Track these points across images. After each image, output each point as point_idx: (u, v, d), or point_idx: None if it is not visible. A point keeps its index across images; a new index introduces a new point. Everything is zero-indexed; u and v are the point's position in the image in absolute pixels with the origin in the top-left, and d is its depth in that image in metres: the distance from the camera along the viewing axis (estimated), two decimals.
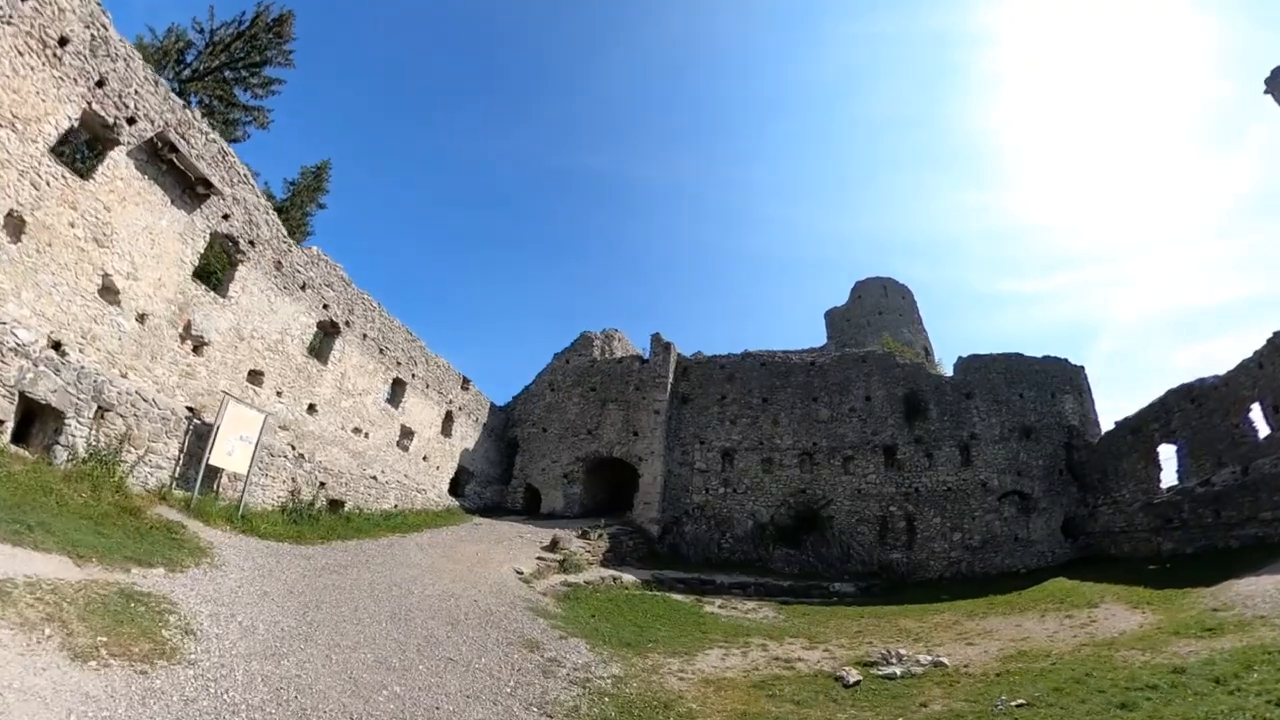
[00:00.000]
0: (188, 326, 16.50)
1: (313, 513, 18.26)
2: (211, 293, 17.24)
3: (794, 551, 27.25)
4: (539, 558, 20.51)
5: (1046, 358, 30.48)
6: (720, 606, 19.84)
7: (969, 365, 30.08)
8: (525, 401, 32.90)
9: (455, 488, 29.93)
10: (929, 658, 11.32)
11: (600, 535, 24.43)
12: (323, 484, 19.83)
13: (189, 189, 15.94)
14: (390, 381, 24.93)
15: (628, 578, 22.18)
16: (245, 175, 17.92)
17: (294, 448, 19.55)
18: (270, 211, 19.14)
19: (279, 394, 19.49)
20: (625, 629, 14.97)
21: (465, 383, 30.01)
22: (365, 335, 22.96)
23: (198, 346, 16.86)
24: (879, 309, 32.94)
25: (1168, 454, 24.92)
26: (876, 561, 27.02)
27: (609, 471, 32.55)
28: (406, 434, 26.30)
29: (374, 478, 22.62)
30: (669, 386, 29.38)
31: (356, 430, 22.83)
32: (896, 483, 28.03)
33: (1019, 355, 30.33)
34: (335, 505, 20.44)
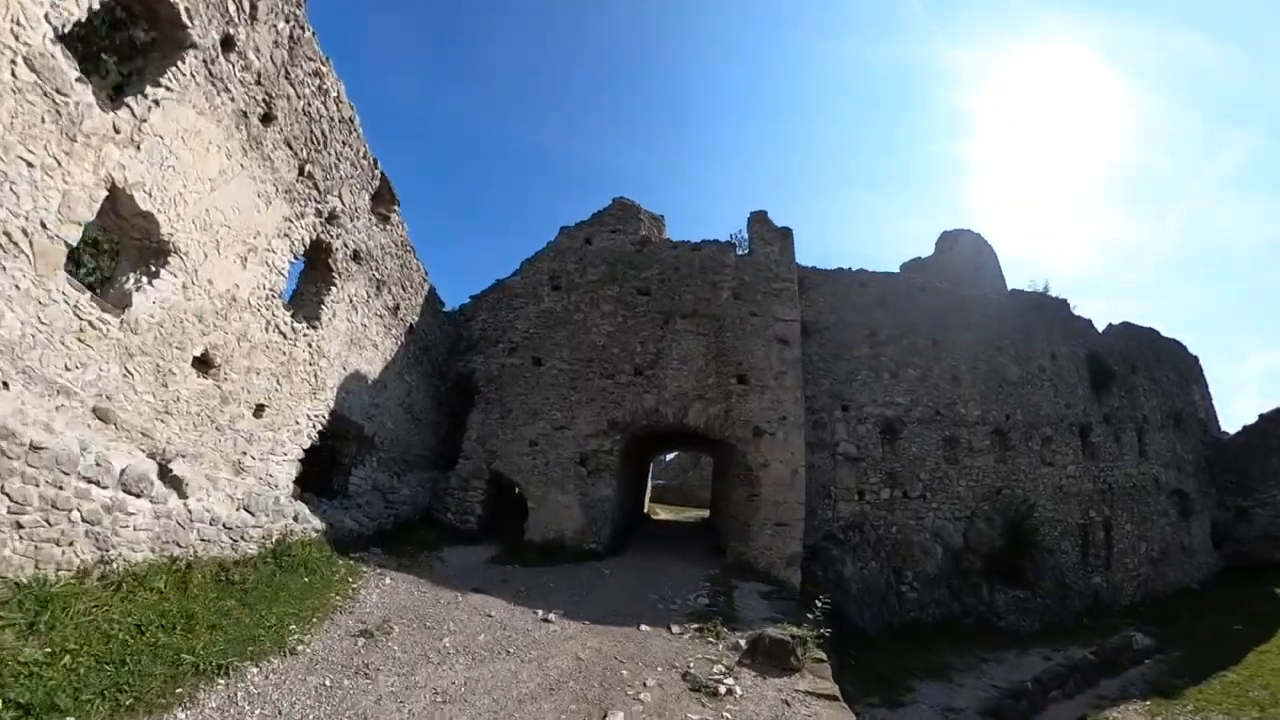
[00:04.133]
0: None
1: None
2: None
3: (1022, 593, 11.62)
4: None
5: (1174, 340, 19.21)
6: None
7: (1125, 334, 17.70)
8: (496, 307, 13.00)
9: (325, 475, 8.79)
10: None
11: (802, 646, 5.88)
12: None
13: None
14: None
15: None
16: None
17: None
18: None
19: None
20: None
21: (383, 191, 9.61)
22: None
23: None
24: (974, 265, 19.70)
25: None
26: (1088, 589, 13.81)
27: (641, 451, 13.78)
28: (154, 246, 5.28)
29: None
30: (796, 300, 12.04)
31: None
32: (1093, 476, 15.08)
33: (1155, 331, 18.62)
34: None
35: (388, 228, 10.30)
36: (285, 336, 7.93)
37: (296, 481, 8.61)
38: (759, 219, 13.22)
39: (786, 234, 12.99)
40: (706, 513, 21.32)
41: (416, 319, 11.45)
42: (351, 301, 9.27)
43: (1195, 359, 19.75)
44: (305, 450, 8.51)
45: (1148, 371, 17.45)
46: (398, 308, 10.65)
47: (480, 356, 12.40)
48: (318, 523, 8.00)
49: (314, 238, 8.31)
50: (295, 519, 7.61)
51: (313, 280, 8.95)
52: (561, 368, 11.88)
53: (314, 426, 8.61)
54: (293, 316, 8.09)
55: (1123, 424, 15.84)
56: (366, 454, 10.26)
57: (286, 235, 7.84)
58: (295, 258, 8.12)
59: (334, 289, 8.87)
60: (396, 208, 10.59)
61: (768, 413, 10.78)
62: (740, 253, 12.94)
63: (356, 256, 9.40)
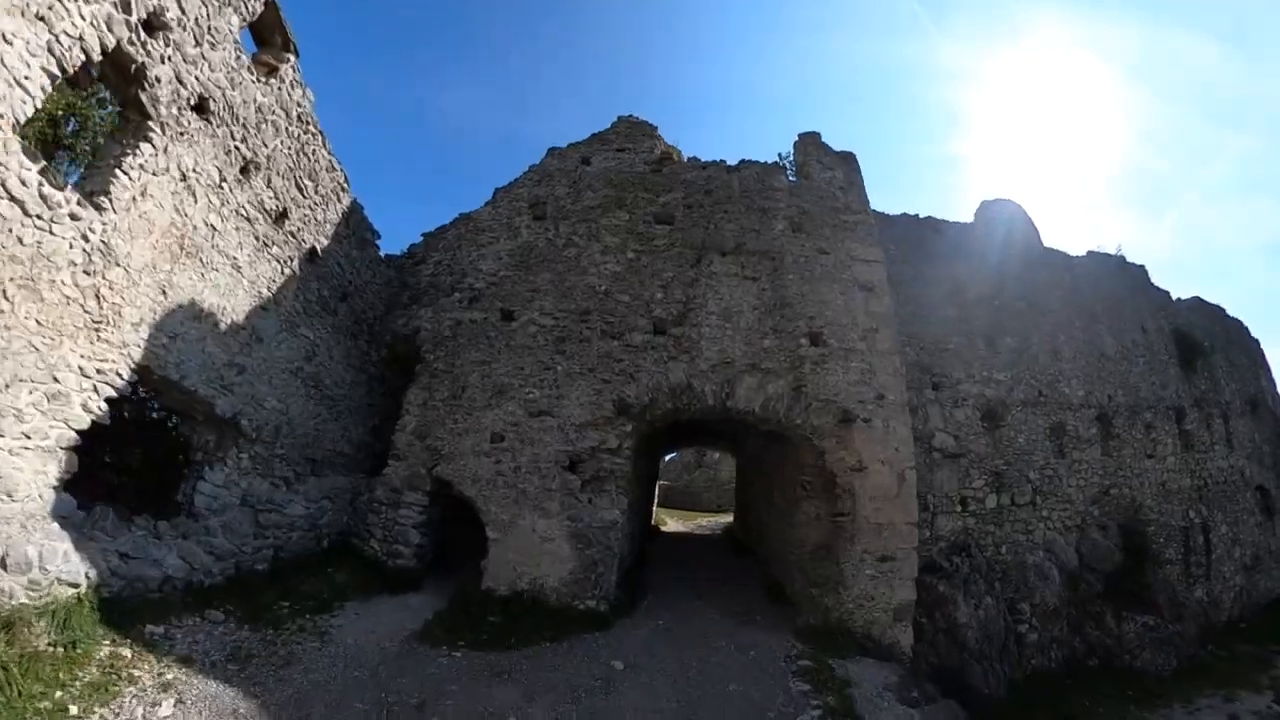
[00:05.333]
0: None
1: None
2: None
3: (1151, 619, 8.63)
4: None
5: (1238, 319, 17.24)
6: None
7: (1199, 309, 15.45)
8: (455, 246, 9.31)
9: (172, 481, 4.66)
10: None
11: None
12: None
13: None
14: None
15: None
16: None
17: None
18: None
19: None
20: None
21: (268, 25, 5.74)
22: None
23: None
24: (1016, 238, 17.09)
25: None
26: (1198, 607, 11.26)
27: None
28: None
29: None
30: (876, 236, 8.85)
31: None
32: (1191, 470, 12.46)
33: (1223, 308, 16.58)
34: None
35: (272, 84, 6.49)
36: (26, 210, 4.09)
37: (96, 492, 4.77)
38: (811, 142, 10.01)
39: (849, 159, 9.84)
40: (722, 518, 17.91)
41: (325, 243, 7.61)
42: (185, 179, 5.41)
43: (1257, 341, 17.86)
44: (82, 431, 4.63)
45: (1224, 352, 15.29)
46: (284, 214, 6.80)
47: (428, 310, 8.62)
48: (74, 568, 4.12)
49: (110, 45, 4.52)
50: (4, 564, 3.72)
51: (118, 136, 5.12)
52: (543, 323, 8.22)
53: (96, 390, 4.71)
54: (43, 174, 4.24)
55: (1210, 410, 13.49)
56: (230, 447, 6.36)
57: (43, 19, 4.07)
58: (64, 69, 4.29)
59: (147, 147, 5.02)
60: (291, 57, 6.81)
61: (859, 389, 7.42)
62: (792, 175, 9.68)
63: (202, 108, 5.57)
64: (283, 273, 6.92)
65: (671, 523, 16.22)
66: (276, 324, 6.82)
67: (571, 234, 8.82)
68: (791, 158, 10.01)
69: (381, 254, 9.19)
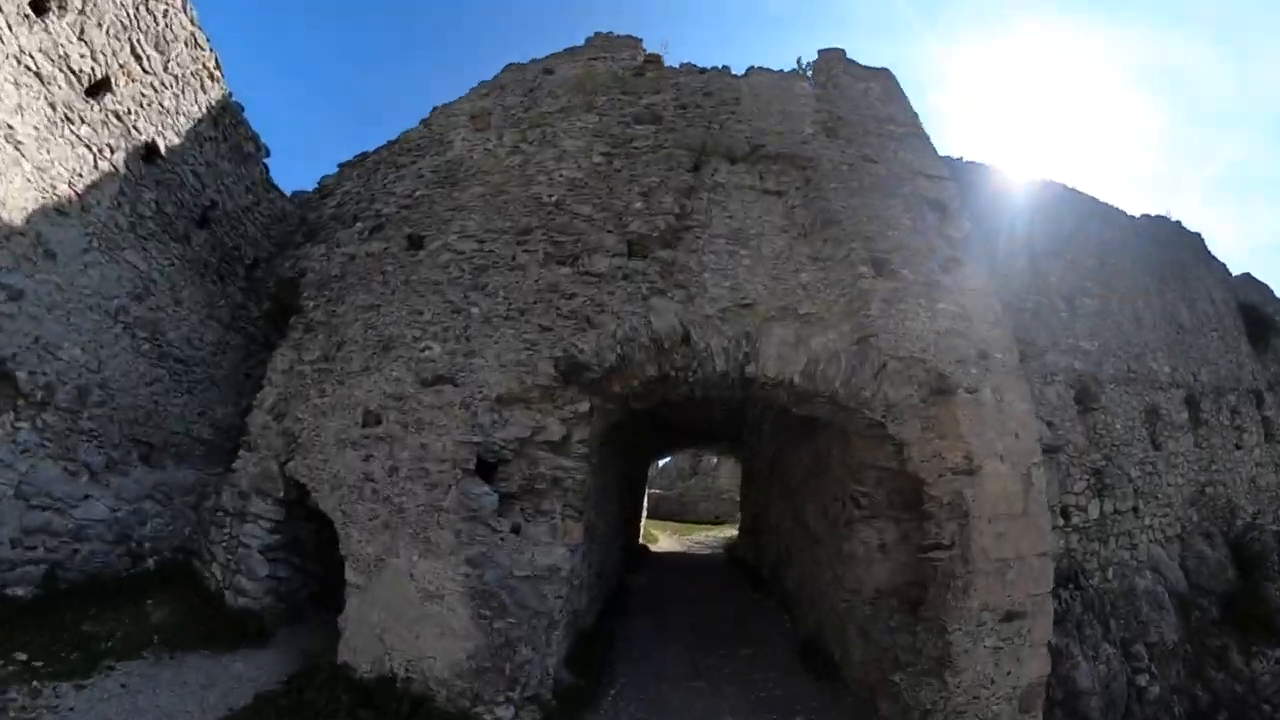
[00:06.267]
0: None
1: None
2: None
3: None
4: None
5: None
6: None
7: (1248, 285, 14.06)
8: (371, 172, 7.19)
9: None
10: None
11: None
12: None
13: None
14: None
15: None
16: None
17: None
18: None
19: None
20: None
21: None
22: None
23: None
24: (1065, 195, 15.65)
25: None
26: None
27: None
28: None
29: None
30: (935, 150, 7.01)
31: None
32: (1276, 463, 10.67)
33: (1270, 288, 15.24)
34: None
35: None
36: None
37: None
38: (835, 57, 8.12)
39: (885, 74, 8.01)
40: (721, 531, 15.66)
41: (174, 141, 5.45)
42: None
43: None
44: None
45: None
46: (105, 84, 4.70)
47: (321, 247, 6.43)
48: None
49: None
50: None
51: None
52: (460, 249, 5.78)
53: None
54: None
55: None
56: (5, 412, 4.10)
57: None
58: None
59: None
60: None
61: (952, 340, 5.21)
62: (811, 80, 7.86)
63: None
64: (96, 166, 4.75)
65: (663, 539, 13.94)
66: (82, 238, 4.64)
67: (519, 141, 6.67)
68: (811, 71, 8.16)
69: (273, 180, 7.04)
